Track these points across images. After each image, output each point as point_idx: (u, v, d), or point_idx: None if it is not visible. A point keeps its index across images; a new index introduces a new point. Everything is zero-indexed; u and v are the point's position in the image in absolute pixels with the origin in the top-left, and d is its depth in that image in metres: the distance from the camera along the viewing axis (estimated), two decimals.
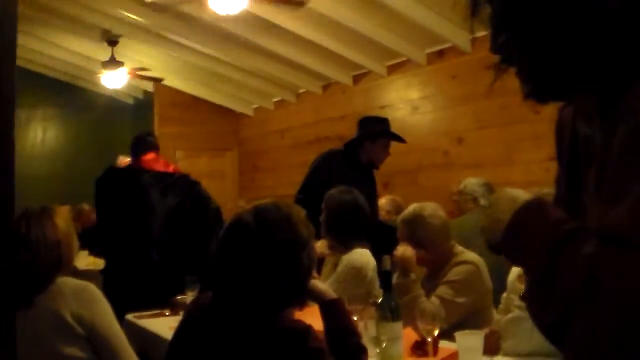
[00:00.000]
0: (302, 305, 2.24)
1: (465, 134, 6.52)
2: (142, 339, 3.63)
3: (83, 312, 2.55)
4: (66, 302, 2.55)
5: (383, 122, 5.23)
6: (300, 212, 2.13)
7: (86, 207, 8.65)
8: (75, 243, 2.81)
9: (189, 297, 3.94)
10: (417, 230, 3.35)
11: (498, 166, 6.07)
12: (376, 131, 5.08)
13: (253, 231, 2.02)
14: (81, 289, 2.62)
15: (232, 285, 2.05)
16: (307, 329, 1.98)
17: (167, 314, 4.08)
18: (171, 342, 2.24)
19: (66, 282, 2.62)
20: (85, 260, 6.44)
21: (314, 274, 2.30)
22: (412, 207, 3.49)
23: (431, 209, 3.43)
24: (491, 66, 1.07)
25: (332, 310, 2.25)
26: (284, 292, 2.03)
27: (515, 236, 1.05)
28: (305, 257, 2.05)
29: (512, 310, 2.68)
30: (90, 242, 6.82)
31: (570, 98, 1.11)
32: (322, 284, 2.37)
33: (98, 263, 6.74)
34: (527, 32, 1.00)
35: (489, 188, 5.01)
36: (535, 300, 0.97)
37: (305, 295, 2.19)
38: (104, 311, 2.64)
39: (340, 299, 2.30)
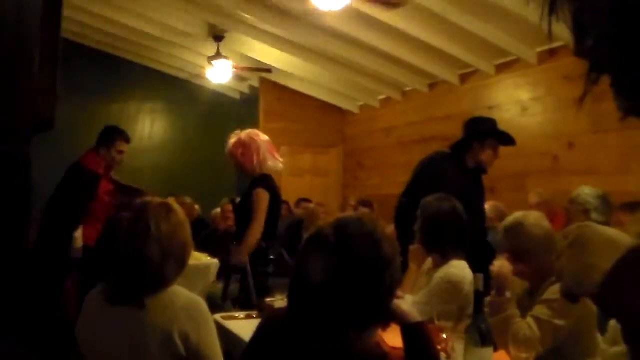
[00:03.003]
0: (385, 326, 2.10)
1: (577, 138, 6.19)
2: (227, 340, 3.58)
3: (191, 331, 2.39)
4: (176, 316, 2.39)
5: (492, 123, 4.96)
6: (384, 228, 1.98)
7: (188, 200, 8.75)
8: (192, 245, 2.66)
9: (277, 300, 3.87)
10: (516, 239, 3.14)
11: (613, 174, 5.72)
12: (485, 131, 4.82)
13: (332, 246, 1.88)
14: (193, 305, 2.46)
15: (307, 301, 1.92)
16: (384, 356, 1.83)
17: (254, 316, 4.02)
18: (243, 355, 2.14)
19: (178, 294, 2.48)
20: None
21: (399, 293, 2.15)
22: (515, 215, 3.28)
23: (534, 218, 3.21)
24: (582, 75, 0.86)
25: (414, 334, 2.10)
26: (362, 313, 1.89)
27: (621, 289, 0.85)
28: (388, 277, 1.90)
29: (618, 342, 2.44)
30: (192, 236, 6.88)
31: None
32: (406, 304, 2.20)
33: (198, 257, 6.79)
34: (625, 28, 0.77)
35: (604, 201, 4.64)
36: None
37: (387, 316, 2.05)
38: (210, 332, 2.48)
39: (424, 323, 2.14)
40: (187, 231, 2.57)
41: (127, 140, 5.83)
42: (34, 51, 2.34)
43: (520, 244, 3.13)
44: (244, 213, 4.96)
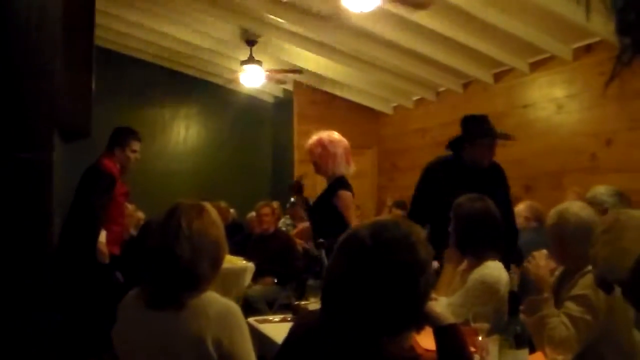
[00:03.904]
0: (419, 329, 2.08)
1: (615, 135, 6.08)
2: (261, 343, 3.59)
3: (224, 338, 2.37)
4: (209, 323, 2.37)
5: (481, 122, 4.91)
6: (420, 232, 1.96)
7: (223, 204, 8.80)
8: (226, 245, 2.64)
9: (311, 303, 3.86)
10: (556, 228, 3.14)
11: None
12: (471, 132, 4.79)
13: (368, 249, 1.87)
14: (227, 312, 2.43)
15: (341, 304, 1.91)
16: (415, 359, 1.81)
17: (289, 319, 4.01)
18: (275, 357, 2.14)
19: (213, 300, 2.44)
20: None
21: (433, 295, 2.13)
22: (560, 205, 3.27)
23: (577, 207, 3.19)
24: (612, 58, 0.81)
25: (447, 335, 2.07)
26: (396, 317, 1.88)
27: None
28: (423, 280, 1.88)
29: None
30: (228, 240, 6.93)
31: None
32: (439, 306, 2.18)
33: (232, 261, 6.82)
34: None
35: (622, 198, 4.58)
36: None
37: (420, 319, 2.03)
38: (244, 339, 2.45)
39: (457, 325, 2.11)
40: (220, 231, 2.56)
41: (140, 139, 5.92)
42: (55, 58, 2.35)
43: (558, 231, 3.12)
44: (322, 214, 4.98)
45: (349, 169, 5.05)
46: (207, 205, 2.62)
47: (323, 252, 4.80)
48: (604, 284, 0.90)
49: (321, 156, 4.93)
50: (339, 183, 4.92)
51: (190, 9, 7.77)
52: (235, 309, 2.47)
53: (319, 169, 5.01)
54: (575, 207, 3.19)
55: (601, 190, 4.68)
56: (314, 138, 5.01)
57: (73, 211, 5.51)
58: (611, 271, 0.87)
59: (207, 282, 2.47)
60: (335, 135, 5.05)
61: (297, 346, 2.06)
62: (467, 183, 4.42)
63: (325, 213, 4.91)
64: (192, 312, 2.39)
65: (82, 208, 5.44)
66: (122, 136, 5.79)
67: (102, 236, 5.46)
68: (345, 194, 4.85)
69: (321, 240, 4.80)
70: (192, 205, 2.54)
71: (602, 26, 5.83)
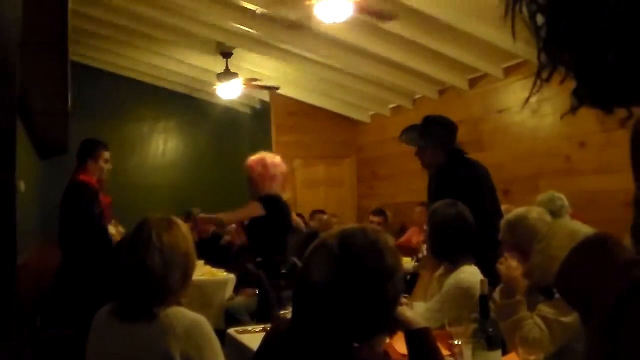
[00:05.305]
0: (391, 334, 2.11)
1: (588, 137, 6.14)
2: (241, 354, 3.60)
3: (194, 353, 2.38)
4: (177, 339, 2.37)
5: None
6: (387, 239, 1.99)
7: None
8: (195, 258, 2.70)
9: (290, 313, 3.87)
10: (518, 234, 3.10)
11: (626, 172, 5.60)
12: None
13: (337, 257, 1.90)
14: (194, 326, 2.43)
15: (311, 312, 1.94)
16: None
17: (269, 329, 4.02)
18: None
19: (180, 316, 2.45)
20: (200, 270, 6.49)
21: (404, 300, 2.16)
22: (517, 210, 3.26)
23: (538, 212, 3.17)
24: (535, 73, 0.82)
25: (418, 340, 2.10)
26: (365, 323, 1.90)
27: (571, 280, 0.83)
28: (391, 287, 1.91)
29: None
30: (206, 252, 6.93)
31: None
32: (410, 311, 2.21)
33: (214, 273, 6.82)
34: (591, 12, 0.74)
35: (551, 203, 4.71)
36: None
37: (392, 325, 2.05)
38: (214, 353, 2.46)
39: (428, 329, 2.14)
40: (190, 243, 2.60)
41: (108, 148, 5.83)
42: (15, 75, 2.35)
43: (521, 238, 3.09)
44: (254, 228, 5.05)
45: (284, 194, 5.15)
46: (177, 219, 2.66)
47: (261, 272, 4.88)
48: (542, 291, 0.93)
49: (260, 175, 5.00)
50: (259, 198, 5.00)
51: (166, 24, 7.78)
52: (204, 323, 2.47)
53: (253, 187, 5.07)
54: (536, 212, 3.17)
55: (539, 200, 4.90)
56: (257, 156, 5.09)
57: (65, 231, 5.43)
58: (543, 278, 0.90)
59: (177, 295, 2.49)
60: (278, 159, 5.13)
61: (270, 353, 2.08)
62: (430, 187, 4.62)
63: (255, 229, 5.03)
64: (160, 329, 2.40)
65: (74, 223, 5.36)
66: (91, 148, 5.71)
67: (111, 228, 5.42)
68: (253, 203, 4.98)
69: (259, 259, 4.91)
70: (162, 219, 2.58)
71: None
